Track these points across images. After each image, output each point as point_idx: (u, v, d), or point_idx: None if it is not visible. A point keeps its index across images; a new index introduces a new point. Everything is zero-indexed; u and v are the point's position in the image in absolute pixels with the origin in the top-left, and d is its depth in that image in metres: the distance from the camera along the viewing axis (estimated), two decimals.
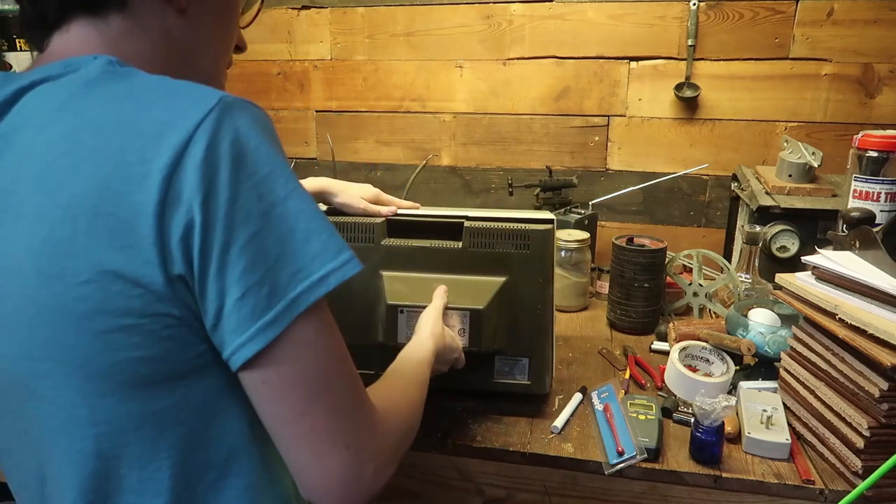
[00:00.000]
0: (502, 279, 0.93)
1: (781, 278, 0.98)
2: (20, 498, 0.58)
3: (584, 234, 1.39)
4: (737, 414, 0.96)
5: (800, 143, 1.32)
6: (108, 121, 0.44)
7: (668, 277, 1.33)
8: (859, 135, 1.13)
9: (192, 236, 0.43)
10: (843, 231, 1.06)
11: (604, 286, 1.42)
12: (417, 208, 1.03)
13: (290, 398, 0.48)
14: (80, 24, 0.51)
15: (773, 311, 1.09)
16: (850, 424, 0.83)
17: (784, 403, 0.96)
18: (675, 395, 1.03)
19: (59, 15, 0.51)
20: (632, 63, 1.56)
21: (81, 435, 0.48)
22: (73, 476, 0.50)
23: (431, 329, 0.82)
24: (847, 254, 0.93)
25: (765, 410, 0.93)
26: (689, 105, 1.55)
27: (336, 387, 0.49)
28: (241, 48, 0.65)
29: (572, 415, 0.99)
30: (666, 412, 0.99)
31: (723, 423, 0.88)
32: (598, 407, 0.99)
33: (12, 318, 0.47)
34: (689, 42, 1.49)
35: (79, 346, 0.45)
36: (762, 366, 1.07)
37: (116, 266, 0.43)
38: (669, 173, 1.55)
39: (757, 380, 1.04)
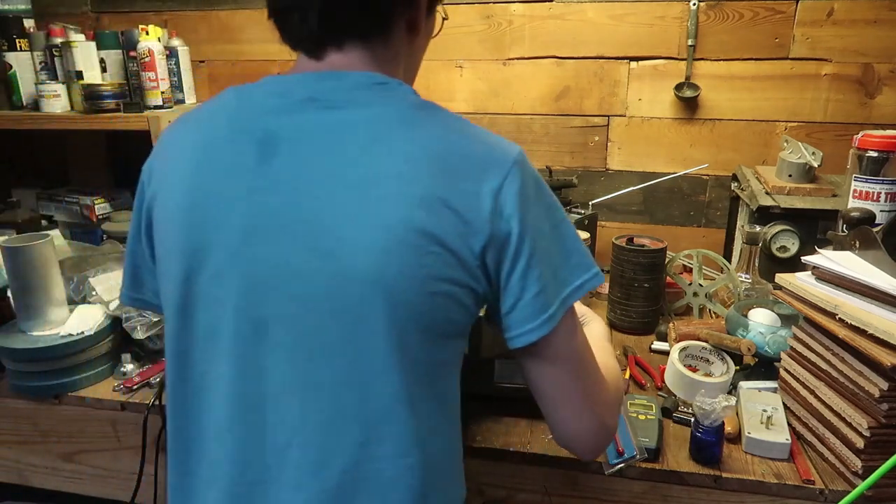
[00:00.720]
0: None
1: (781, 278, 0.98)
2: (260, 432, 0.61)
3: (585, 234, 1.39)
4: (737, 414, 0.96)
5: (800, 143, 1.32)
6: (443, 145, 0.58)
7: (668, 277, 1.33)
8: (859, 135, 1.13)
9: (508, 243, 0.57)
10: (843, 231, 1.06)
11: (604, 286, 1.42)
12: None
13: (557, 372, 0.62)
14: (353, 46, 0.63)
15: (773, 311, 1.09)
16: (850, 424, 0.83)
17: (784, 403, 0.96)
18: (675, 395, 1.03)
19: (339, 38, 0.63)
20: (632, 63, 1.56)
21: (389, 379, 0.58)
22: (362, 411, 0.59)
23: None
24: (847, 254, 0.93)
25: (765, 410, 0.93)
26: (689, 105, 1.55)
27: (587, 364, 0.64)
28: None
29: None
30: (666, 412, 0.99)
31: (723, 423, 0.88)
32: None
33: (347, 279, 0.56)
34: (689, 42, 1.49)
35: (415, 304, 0.56)
36: (762, 366, 1.07)
37: (453, 246, 0.56)
38: (669, 173, 1.55)
39: (757, 380, 1.04)
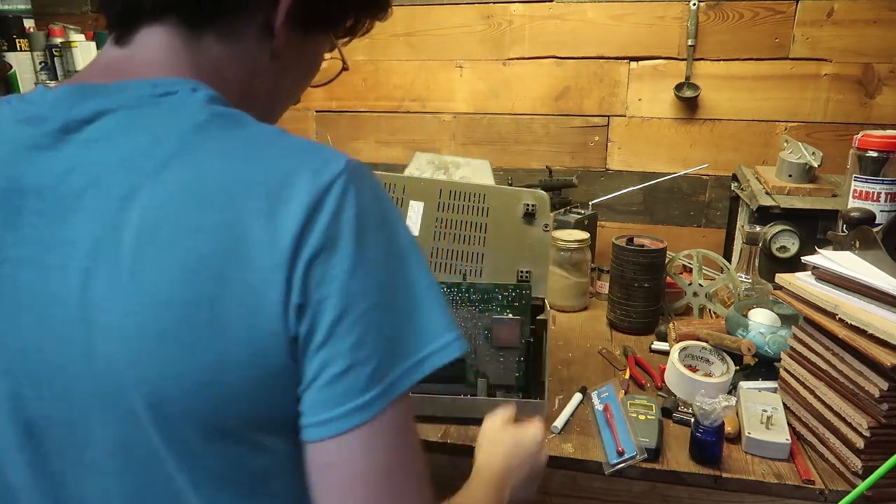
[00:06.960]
0: None
1: (781, 278, 0.98)
2: None
3: (584, 234, 1.39)
4: (737, 414, 0.96)
5: (800, 143, 1.32)
6: (233, 180, 0.42)
7: (668, 277, 1.33)
8: (859, 135, 1.13)
9: (307, 304, 0.41)
10: (843, 231, 1.06)
11: (604, 286, 1.42)
12: None
13: (352, 491, 0.43)
14: (171, 35, 0.49)
15: (773, 311, 1.09)
16: (850, 424, 0.83)
17: (784, 403, 0.96)
18: (675, 395, 1.03)
19: (153, 13, 0.48)
20: (632, 63, 1.56)
21: (187, 499, 0.46)
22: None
23: (488, 447, 0.75)
24: (847, 254, 0.93)
25: (765, 410, 0.93)
26: (689, 105, 1.55)
27: (402, 484, 0.45)
28: (297, 100, 0.63)
29: (572, 415, 0.99)
30: (666, 412, 0.99)
31: (723, 423, 0.88)
32: (598, 407, 0.99)
33: (110, 377, 0.43)
34: (689, 42, 1.49)
35: (194, 409, 0.42)
36: (762, 366, 1.07)
37: (240, 331, 0.41)
38: (669, 173, 1.55)
39: (757, 380, 1.04)
